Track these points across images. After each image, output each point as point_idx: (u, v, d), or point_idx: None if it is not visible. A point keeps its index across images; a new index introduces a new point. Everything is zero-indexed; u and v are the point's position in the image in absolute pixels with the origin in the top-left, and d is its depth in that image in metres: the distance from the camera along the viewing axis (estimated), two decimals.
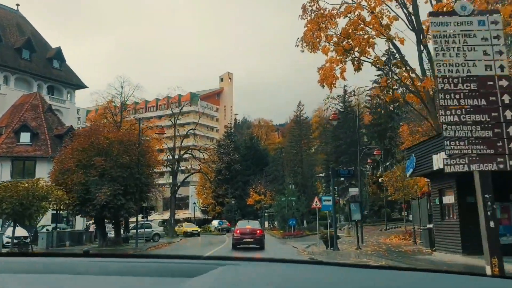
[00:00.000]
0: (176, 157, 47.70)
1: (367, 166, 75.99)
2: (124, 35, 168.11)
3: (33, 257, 1.88)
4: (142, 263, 1.65)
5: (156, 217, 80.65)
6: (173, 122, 47.34)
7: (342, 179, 37.82)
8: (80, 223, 43.36)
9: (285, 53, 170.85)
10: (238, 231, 26.04)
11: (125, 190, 29.65)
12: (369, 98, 74.46)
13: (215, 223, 61.82)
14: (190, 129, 49.20)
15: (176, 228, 54.02)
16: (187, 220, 77.51)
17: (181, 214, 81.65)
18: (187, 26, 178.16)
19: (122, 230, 38.53)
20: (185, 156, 52.57)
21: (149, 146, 33.81)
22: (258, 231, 25.99)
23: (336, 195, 75.05)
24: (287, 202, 40.08)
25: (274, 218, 55.83)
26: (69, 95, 54.01)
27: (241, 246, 25.33)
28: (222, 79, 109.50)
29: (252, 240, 25.38)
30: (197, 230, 49.89)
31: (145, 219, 34.73)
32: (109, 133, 30.77)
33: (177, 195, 77.37)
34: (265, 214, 62.37)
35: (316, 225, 28.95)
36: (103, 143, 29.75)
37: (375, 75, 75.21)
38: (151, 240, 38.18)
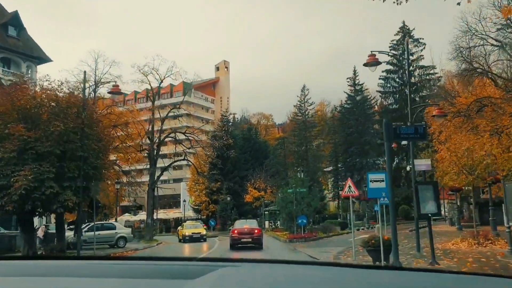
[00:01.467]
0: (155, 142, 37.40)
1: (378, 159, 65.91)
2: (112, 22, 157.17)
3: None
4: (139, 265, 1.59)
5: (142, 217, 70.56)
6: (152, 99, 37.27)
7: (404, 143, 23.81)
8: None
9: (285, 53, 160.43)
10: (235, 231, 24.83)
11: (60, 174, 19.54)
12: (382, 81, 64.31)
13: (190, 224, 39.34)
14: (172, 109, 38.85)
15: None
16: (178, 220, 67.13)
17: (171, 214, 71.46)
18: (181, 17, 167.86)
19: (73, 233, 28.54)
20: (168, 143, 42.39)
21: (98, 110, 23.40)
22: (256, 231, 24.66)
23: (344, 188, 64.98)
24: (295, 195, 29.89)
25: (276, 217, 45.52)
26: (29, 70, 43.79)
27: (239, 246, 23.96)
28: (218, 68, 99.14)
29: (250, 239, 24.00)
30: (199, 233, 34.28)
31: (98, 217, 24.54)
32: (38, 93, 20.56)
33: (163, 190, 67.56)
34: (266, 212, 52.15)
35: (351, 225, 18.79)
36: (26, 104, 19.61)
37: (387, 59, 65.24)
38: (115, 246, 28.09)
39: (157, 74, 37.68)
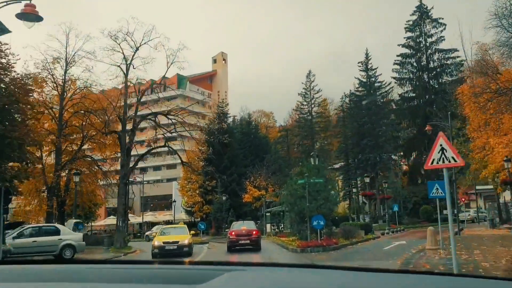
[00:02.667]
0: (128, 124, 29.08)
1: (395, 153, 57.66)
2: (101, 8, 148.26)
3: None
4: (144, 270, 1.53)
5: (130, 220, 62.14)
6: (126, 71, 29.15)
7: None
8: None
9: (285, 53, 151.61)
10: (233, 233, 23.24)
11: None
12: (397, 66, 56.19)
13: (167, 229, 24.63)
14: (152, 84, 30.53)
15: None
16: (169, 224, 58.60)
17: (160, 216, 63.12)
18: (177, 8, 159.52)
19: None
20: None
21: None
22: (254, 232, 23.17)
23: (354, 189, 56.14)
24: (308, 188, 21.53)
25: (281, 219, 37.19)
26: None
27: (237, 248, 22.33)
28: (215, 61, 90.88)
29: (248, 241, 22.60)
30: (177, 242, 20.46)
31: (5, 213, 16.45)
32: None
33: (155, 190, 59.36)
34: (267, 213, 43.87)
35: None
36: None
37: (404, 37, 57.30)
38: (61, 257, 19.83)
39: (132, 40, 29.63)
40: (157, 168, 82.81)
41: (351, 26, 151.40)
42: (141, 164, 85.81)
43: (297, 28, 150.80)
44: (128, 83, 30.22)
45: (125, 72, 29.39)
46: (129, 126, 31.26)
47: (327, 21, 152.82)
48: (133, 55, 29.61)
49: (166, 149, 34.20)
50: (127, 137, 29.97)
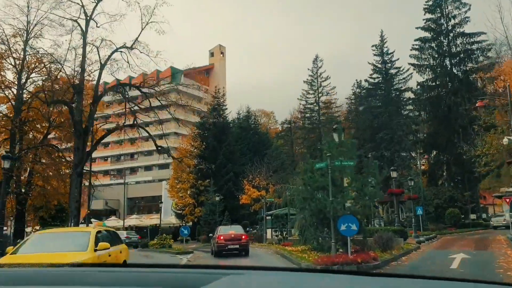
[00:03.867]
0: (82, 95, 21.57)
1: (416, 150, 50.26)
2: None
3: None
4: (138, 273, 1.45)
5: (111, 223, 54.59)
6: (85, 27, 21.88)
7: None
8: None
9: (285, 55, 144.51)
10: (221, 237, 22.36)
11: None
12: (416, 52, 48.86)
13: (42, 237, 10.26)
14: (120, 47, 23.03)
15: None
16: (156, 228, 50.61)
17: (147, 220, 55.37)
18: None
19: None
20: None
21: None
22: (243, 237, 22.57)
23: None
24: (332, 174, 13.97)
25: (285, 223, 29.56)
26: None
27: (225, 253, 21.54)
28: (212, 54, 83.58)
29: (237, 246, 22.02)
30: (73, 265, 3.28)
31: None
32: None
33: (144, 191, 51.93)
34: (268, 217, 36.26)
35: None
36: None
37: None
38: None
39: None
40: (148, 168, 75.52)
41: (353, 27, 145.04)
42: (131, 164, 78.70)
43: (297, 29, 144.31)
44: (90, 48, 22.93)
45: (83, 28, 21.99)
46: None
47: (328, 23, 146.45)
48: (95, 7, 22.29)
49: (161, 148, 26.52)
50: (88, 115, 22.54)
